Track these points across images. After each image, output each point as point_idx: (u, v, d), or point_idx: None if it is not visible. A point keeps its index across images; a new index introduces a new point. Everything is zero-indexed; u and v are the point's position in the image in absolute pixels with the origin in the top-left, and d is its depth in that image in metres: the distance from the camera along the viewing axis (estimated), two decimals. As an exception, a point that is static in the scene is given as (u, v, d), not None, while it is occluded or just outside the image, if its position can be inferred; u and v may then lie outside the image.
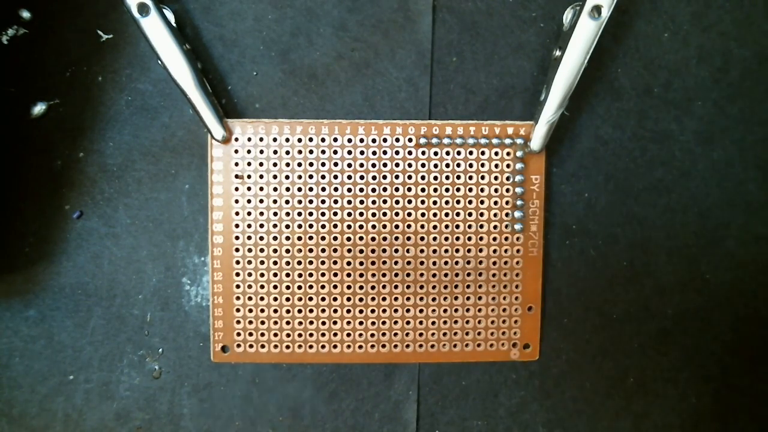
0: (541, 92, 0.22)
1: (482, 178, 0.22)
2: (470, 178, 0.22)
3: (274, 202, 0.22)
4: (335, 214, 0.22)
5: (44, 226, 0.22)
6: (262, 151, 0.22)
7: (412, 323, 0.22)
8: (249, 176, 0.22)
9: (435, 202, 0.22)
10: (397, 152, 0.22)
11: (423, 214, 0.22)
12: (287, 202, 0.22)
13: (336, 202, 0.22)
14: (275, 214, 0.22)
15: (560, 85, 0.21)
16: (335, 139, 0.22)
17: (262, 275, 0.22)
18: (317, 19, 0.22)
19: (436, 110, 0.22)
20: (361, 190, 0.22)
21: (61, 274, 0.22)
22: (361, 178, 0.22)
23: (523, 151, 0.22)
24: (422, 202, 0.22)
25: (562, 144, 0.23)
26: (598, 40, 0.20)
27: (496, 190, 0.22)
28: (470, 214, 0.22)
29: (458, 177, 0.22)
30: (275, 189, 0.22)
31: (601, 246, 0.23)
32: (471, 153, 0.22)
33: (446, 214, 0.22)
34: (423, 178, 0.22)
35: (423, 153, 0.22)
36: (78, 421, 0.22)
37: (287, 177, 0.22)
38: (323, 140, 0.22)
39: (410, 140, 0.22)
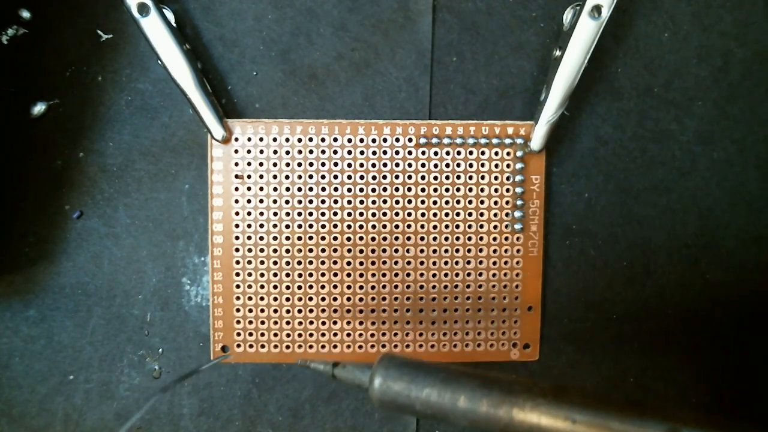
0: (541, 92, 0.22)
1: (482, 178, 0.22)
2: (470, 178, 0.22)
3: (274, 202, 0.22)
4: (335, 214, 0.22)
5: (44, 226, 0.22)
6: (262, 151, 0.22)
7: (411, 323, 0.22)
8: (249, 176, 0.22)
9: (435, 202, 0.22)
10: (397, 152, 0.22)
11: (423, 214, 0.22)
12: (287, 202, 0.22)
13: (336, 202, 0.22)
14: (275, 214, 0.22)
15: (560, 85, 0.21)
16: (335, 139, 0.22)
17: (262, 275, 0.22)
18: (317, 19, 0.22)
19: (436, 110, 0.22)
20: (361, 190, 0.22)
21: (61, 274, 0.22)
22: (361, 178, 0.22)
23: (523, 151, 0.22)
24: (422, 202, 0.22)
25: (562, 144, 0.23)
26: (598, 40, 0.20)
27: (496, 190, 0.22)
28: (470, 214, 0.22)
29: (458, 177, 0.22)
30: (275, 189, 0.22)
31: (601, 246, 0.23)
32: (471, 153, 0.22)
33: (446, 214, 0.22)
34: (423, 178, 0.22)
35: (423, 153, 0.22)
36: (78, 421, 0.22)
37: (287, 177, 0.22)
38: (323, 140, 0.22)
39: (410, 140, 0.22)
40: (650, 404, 0.15)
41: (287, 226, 0.22)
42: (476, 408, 0.15)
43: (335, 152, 0.22)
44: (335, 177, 0.22)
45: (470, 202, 0.22)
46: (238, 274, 0.22)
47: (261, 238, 0.22)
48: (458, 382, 0.16)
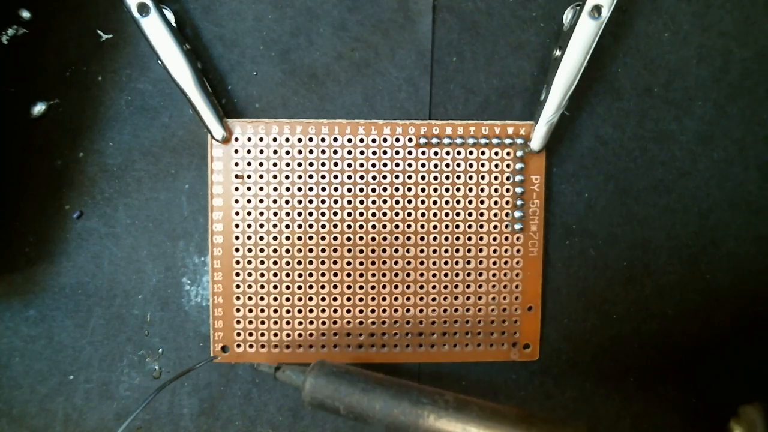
0: (541, 92, 0.22)
1: (482, 178, 0.22)
2: (470, 178, 0.22)
3: (274, 202, 0.22)
4: (335, 214, 0.22)
5: (44, 226, 0.22)
6: (262, 151, 0.22)
7: (412, 323, 0.22)
8: (249, 176, 0.22)
9: (435, 202, 0.22)
10: (397, 152, 0.22)
11: (423, 214, 0.22)
12: (287, 202, 0.22)
13: (336, 202, 0.22)
14: (275, 214, 0.22)
15: (560, 85, 0.21)
16: (335, 139, 0.22)
17: (262, 275, 0.22)
18: (317, 19, 0.22)
19: (436, 110, 0.22)
20: (361, 190, 0.22)
21: (61, 274, 0.22)
22: (361, 178, 0.22)
23: (523, 151, 0.22)
24: (422, 202, 0.22)
25: (562, 144, 0.23)
26: (598, 40, 0.20)
27: (496, 190, 0.22)
28: (470, 214, 0.22)
29: (458, 177, 0.22)
30: (275, 189, 0.22)
31: (601, 246, 0.23)
32: (471, 153, 0.22)
33: (446, 214, 0.22)
34: (423, 178, 0.22)
35: (423, 153, 0.22)
36: (78, 421, 0.22)
37: (287, 177, 0.22)
38: (323, 140, 0.22)
39: (410, 140, 0.22)
40: (538, 417, 0.18)
41: (287, 226, 0.22)
42: (388, 415, 0.18)
43: (335, 152, 0.22)
44: (335, 177, 0.22)
45: (470, 202, 0.22)
46: (238, 274, 0.22)
47: (261, 238, 0.22)
48: (374, 392, 0.18)
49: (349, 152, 0.22)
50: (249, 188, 0.22)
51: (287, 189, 0.22)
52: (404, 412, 0.18)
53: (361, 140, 0.22)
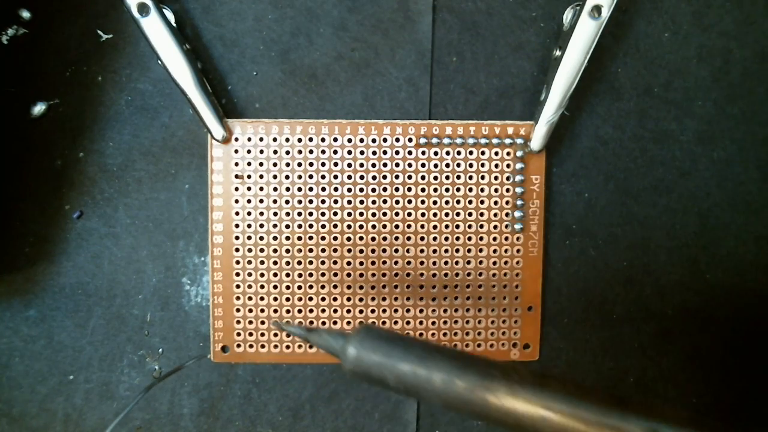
0: (541, 92, 0.22)
1: (482, 178, 0.22)
2: (470, 178, 0.22)
3: (274, 202, 0.22)
4: (335, 214, 0.22)
5: (44, 226, 0.22)
6: (262, 151, 0.22)
7: (412, 323, 0.22)
8: (249, 176, 0.22)
9: (435, 202, 0.22)
10: (397, 152, 0.22)
11: (423, 214, 0.22)
12: (287, 202, 0.22)
13: (336, 202, 0.22)
14: (275, 214, 0.22)
15: (560, 85, 0.21)
16: (335, 139, 0.22)
17: (262, 275, 0.22)
18: (317, 19, 0.22)
19: (436, 110, 0.22)
20: (361, 190, 0.22)
21: (61, 274, 0.22)
22: (361, 178, 0.22)
23: (523, 151, 0.22)
24: (422, 202, 0.22)
25: (562, 144, 0.23)
26: (598, 40, 0.20)
27: (496, 190, 0.22)
28: (470, 214, 0.22)
29: (458, 177, 0.22)
30: (275, 189, 0.22)
31: (601, 246, 0.23)
32: (471, 153, 0.22)
33: (446, 214, 0.22)
34: (423, 178, 0.22)
35: (423, 153, 0.22)
36: (78, 421, 0.22)
37: (287, 177, 0.22)
38: (323, 140, 0.22)
39: (410, 140, 0.22)
40: (633, 400, 0.15)
41: (287, 226, 0.22)
42: (450, 389, 0.15)
43: (335, 152, 0.22)
44: (335, 177, 0.22)
45: (470, 202, 0.22)
46: (238, 274, 0.22)
47: (261, 238, 0.22)
48: (434, 361, 0.15)
49: (349, 152, 0.22)
50: (249, 188, 0.22)
51: (287, 189, 0.22)
52: (470, 386, 0.15)
53: (361, 140, 0.22)
